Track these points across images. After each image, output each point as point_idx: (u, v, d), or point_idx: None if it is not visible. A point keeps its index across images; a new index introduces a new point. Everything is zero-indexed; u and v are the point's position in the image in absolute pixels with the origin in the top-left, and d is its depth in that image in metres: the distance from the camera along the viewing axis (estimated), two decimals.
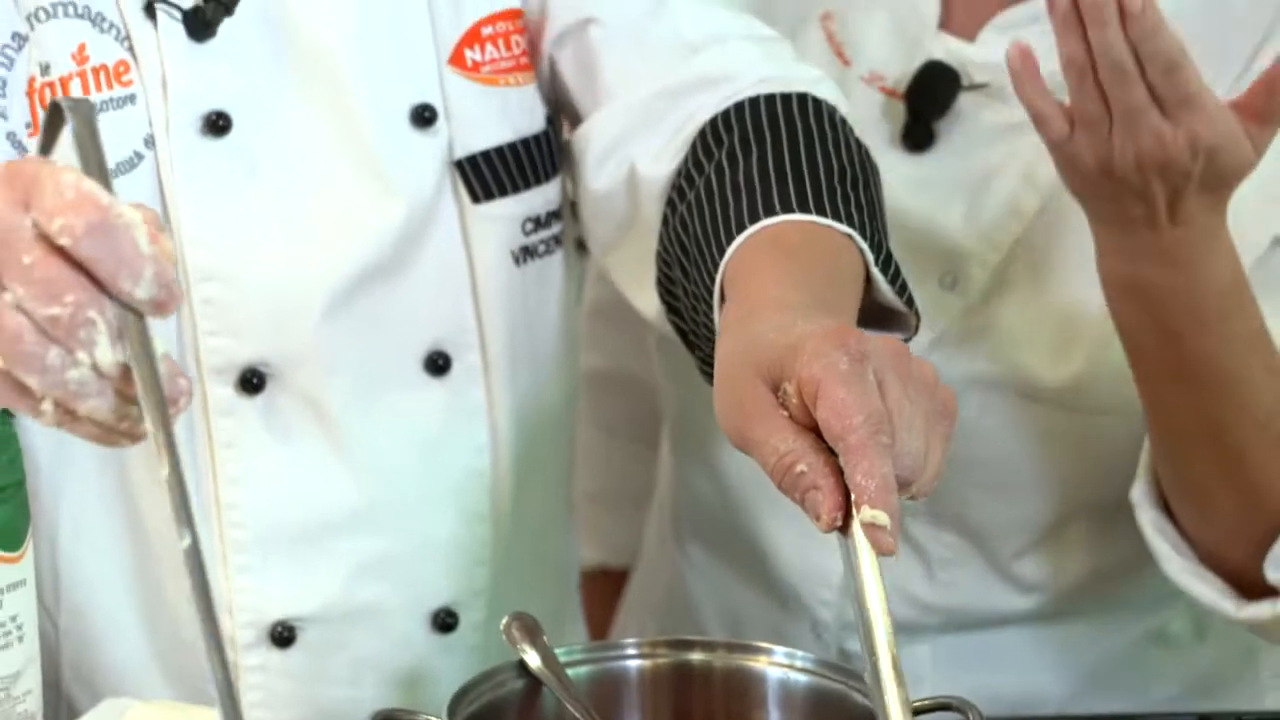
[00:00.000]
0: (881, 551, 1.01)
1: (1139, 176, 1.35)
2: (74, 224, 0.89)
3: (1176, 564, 1.50)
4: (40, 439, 1.38)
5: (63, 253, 0.90)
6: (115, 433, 0.92)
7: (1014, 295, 1.59)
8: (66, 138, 0.96)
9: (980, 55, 1.58)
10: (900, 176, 1.58)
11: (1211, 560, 1.49)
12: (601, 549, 1.96)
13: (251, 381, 1.41)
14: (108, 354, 0.91)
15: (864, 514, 1.02)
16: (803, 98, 1.39)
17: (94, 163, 0.93)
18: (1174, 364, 1.44)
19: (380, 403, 1.45)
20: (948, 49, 1.60)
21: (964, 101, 1.59)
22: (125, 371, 0.92)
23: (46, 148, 0.96)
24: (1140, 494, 1.51)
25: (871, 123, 1.61)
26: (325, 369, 1.42)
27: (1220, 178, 1.37)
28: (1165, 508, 1.50)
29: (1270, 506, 1.45)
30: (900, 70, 1.61)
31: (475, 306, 1.47)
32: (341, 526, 1.44)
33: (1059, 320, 1.56)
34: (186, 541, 0.90)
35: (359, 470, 1.44)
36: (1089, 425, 1.57)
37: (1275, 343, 1.46)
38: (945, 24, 1.61)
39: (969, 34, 1.60)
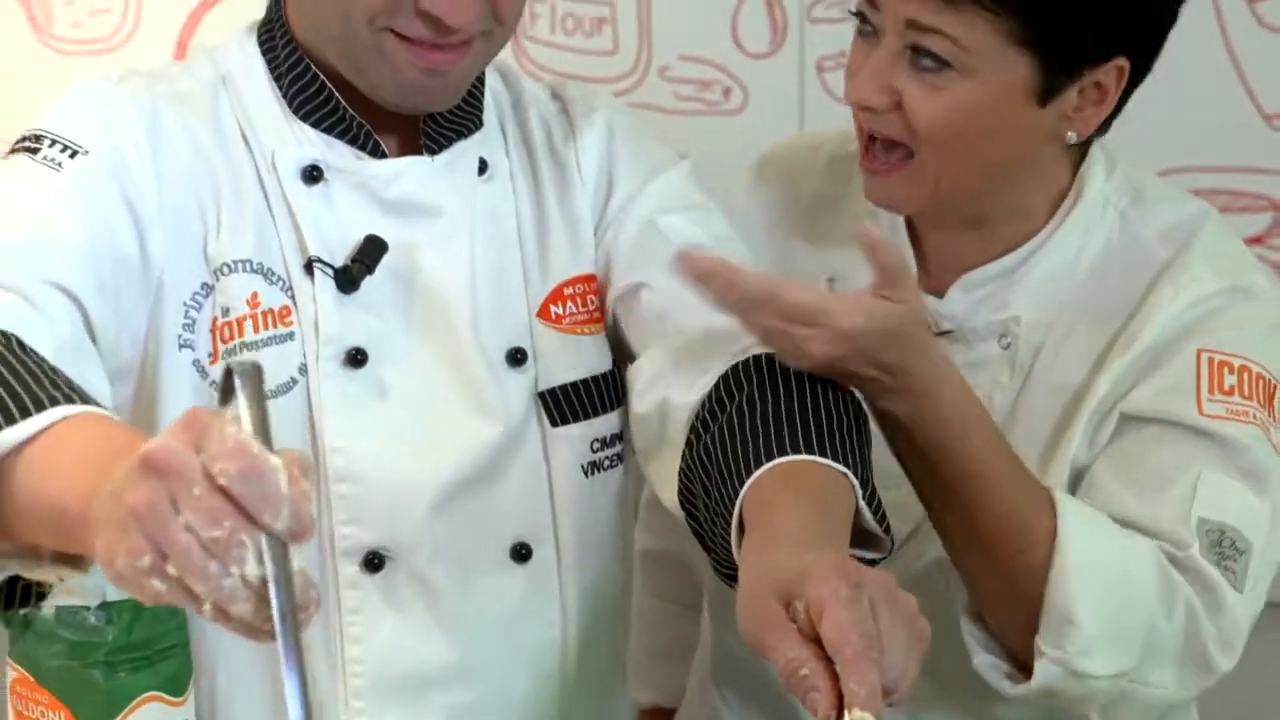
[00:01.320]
0: None
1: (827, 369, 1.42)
2: (229, 468, 0.94)
3: (981, 657, 1.53)
4: None
5: (223, 489, 0.94)
6: (259, 631, 0.96)
7: None
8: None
9: (946, 308, 1.65)
10: None
11: (1011, 653, 1.52)
12: (655, 692, 2.00)
13: (373, 562, 1.48)
14: (253, 569, 0.95)
15: (854, 715, 1.08)
16: None
17: (255, 415, 0.97)
18: (932, 479, 1.50)
19: (475, 583, 1.51)
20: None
21: None
22: (265, 583, 0.95)
23: (223, 400, 1.00)
24: (962, 605, 1.55)
25: None
26: (432, 554, 1.49)
27: (891, 343, 1.43)
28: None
29: (1025, 593, 1.47)
30: None
31: (552, 509, 1.54)
32: (439, 680, 1.51)
33: None
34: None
35: (455, 636, 1.51)
36: None
37: (1130, 508, 1.51)
38: (920, 286, 1.62)
39: (938, 292, 1.66)
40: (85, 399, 1.18)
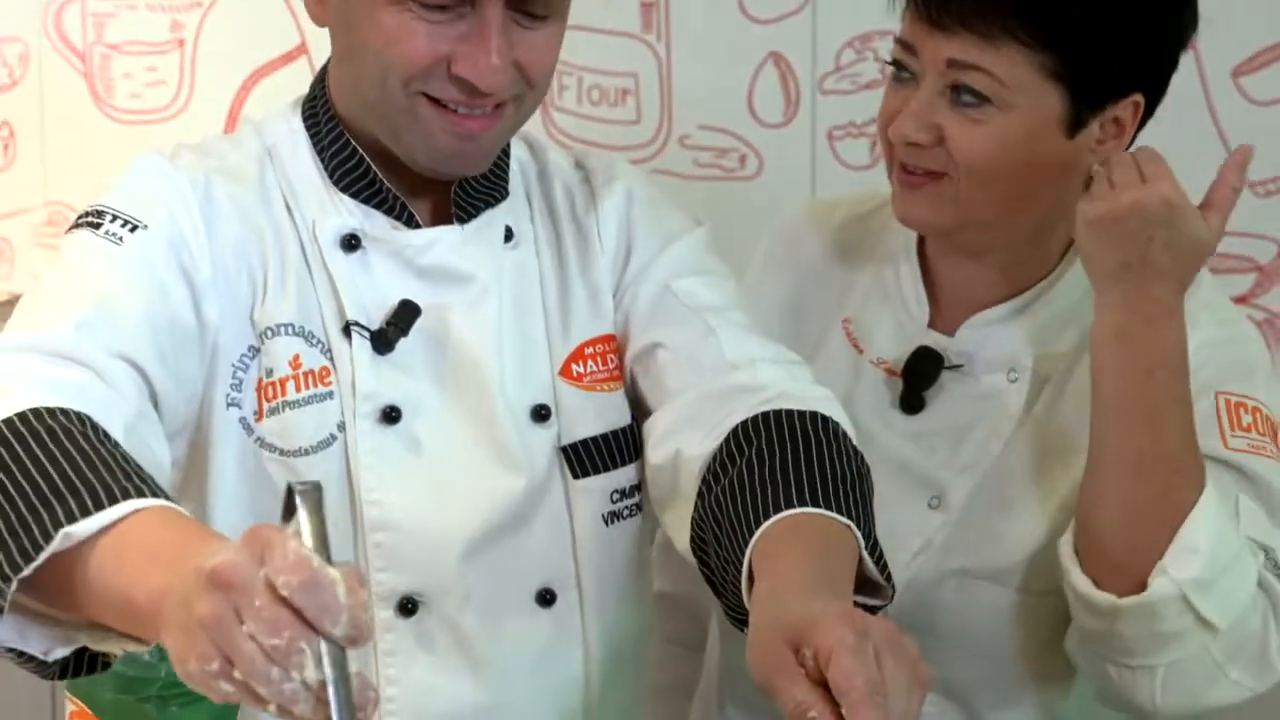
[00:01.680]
0: None
1: (1133, 219, 1.49)
2: (291, 580, 0.97)
3: (1078, 576, 1.55)
4: None
5: (284, 599, 0.97)
6: None
7: (981, 512, 1.66)
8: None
9: (956, 345, 1.70)
10: (900, 431, 1.68)
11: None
12: None
13: (407, 607, 1.49)
14: (313, 674, 0.97)
15: None
16: (814, 415, 1.47)
17: (315, 531, 1.00)
18: (1133, 400, 1.53)
19: (502, 626, 1.51)
20: (934, 341, 1.71)
21: (945, 378, 1.70)
22: (324, 686, 0.98)
23: (285, 517, 1.02)
24: (1064, 541, 1.58)
25: (878, 393, 1.71)
26: (462, 599, 1.50)
27: (1184, 242, 1.51)
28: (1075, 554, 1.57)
29: (1164, 522, 1.52)
30: (898, 355, 1.72)
31: (574, 556, 1.54)
32: (470, 718, 1.51)
33: (1012, 528, 1.64)
34: None
35: (484, 676, 1.51)
36: (1035, 604, 1.64)
37: None
38: (933, 323, 1.72)
39: (949, 331, 1.71)
40: (154, 490, 1.20)
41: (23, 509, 1.18)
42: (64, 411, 1.26)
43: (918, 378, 1.70)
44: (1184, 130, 2.49)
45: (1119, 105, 1.62)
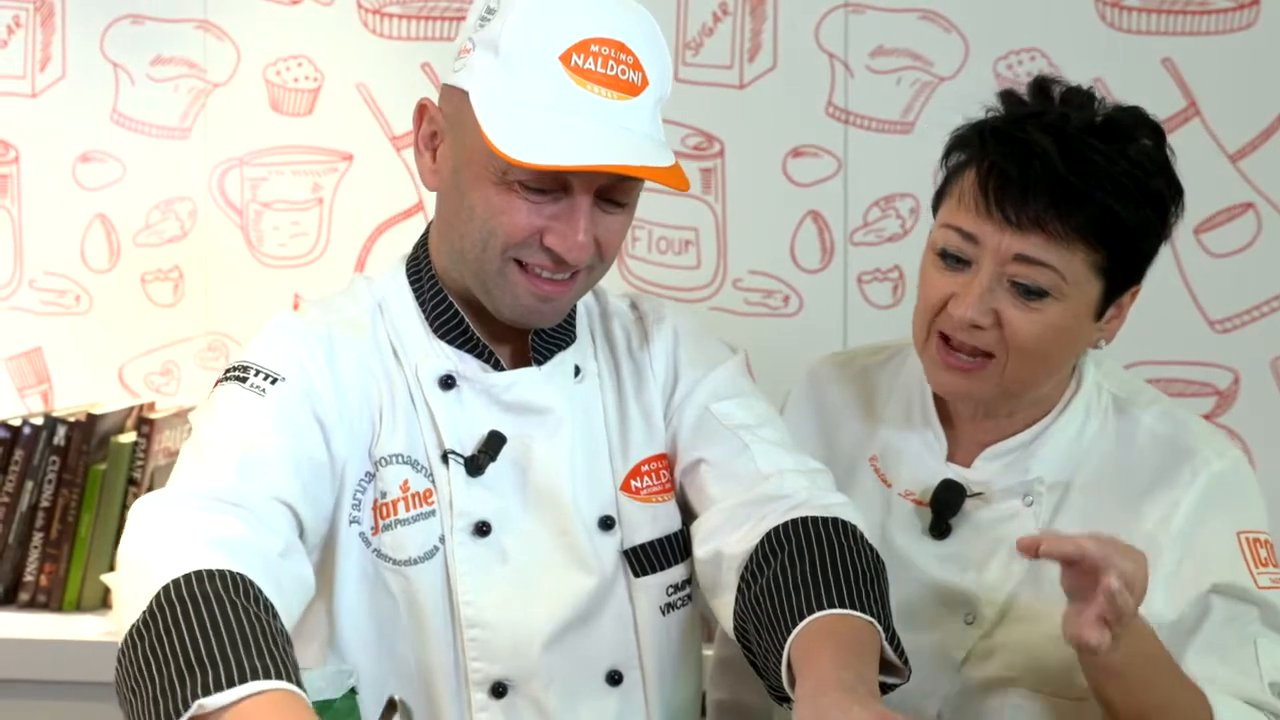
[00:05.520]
0: None
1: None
2: None
3: None
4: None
5: None
6: None
7: (1014, 626, 1.61)
8: None
9: (975, 476, 1.64)
10: (930, 555, 1.63)
11: None
12: None
13: (498, 690, 1.49)
14: None
15: None
16: (835, 520, 1.46)
17: None
18: (1135, 706, 1.47)
19: (577, 703, 1.51)
20: (955, 473, 1.65)
21: (968, 505, 1.64)
22: None
23: (385, 717, 1.08)
24: None
25: (908, 523, 1.65)
26: (544, 682, 1.50)
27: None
28: None
29: None
30: (923, 488, 1.66)
31: (637, 642, 1.54)
32: None
33: (1044, 638, 1.56)
34: None
35: None
36: (1073, 708, 1.58)
37: (1208, 684, 1.49)
38: (951, 457, 1.67)
39: (967, 463, 1.66)
40: (281, 666, 1.22)
41: (171, 674, 1.21)
42: (221, 575, 1.27)
43: (944, 507, 1.64)
44: (1153, 278, 2.50)
45: (1127, 293, 1.59)
